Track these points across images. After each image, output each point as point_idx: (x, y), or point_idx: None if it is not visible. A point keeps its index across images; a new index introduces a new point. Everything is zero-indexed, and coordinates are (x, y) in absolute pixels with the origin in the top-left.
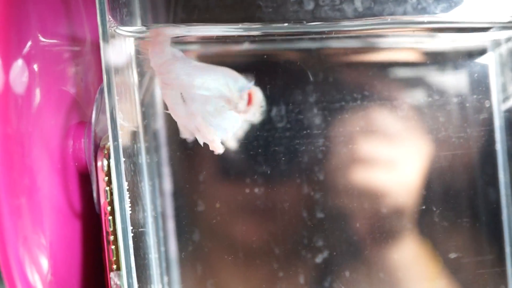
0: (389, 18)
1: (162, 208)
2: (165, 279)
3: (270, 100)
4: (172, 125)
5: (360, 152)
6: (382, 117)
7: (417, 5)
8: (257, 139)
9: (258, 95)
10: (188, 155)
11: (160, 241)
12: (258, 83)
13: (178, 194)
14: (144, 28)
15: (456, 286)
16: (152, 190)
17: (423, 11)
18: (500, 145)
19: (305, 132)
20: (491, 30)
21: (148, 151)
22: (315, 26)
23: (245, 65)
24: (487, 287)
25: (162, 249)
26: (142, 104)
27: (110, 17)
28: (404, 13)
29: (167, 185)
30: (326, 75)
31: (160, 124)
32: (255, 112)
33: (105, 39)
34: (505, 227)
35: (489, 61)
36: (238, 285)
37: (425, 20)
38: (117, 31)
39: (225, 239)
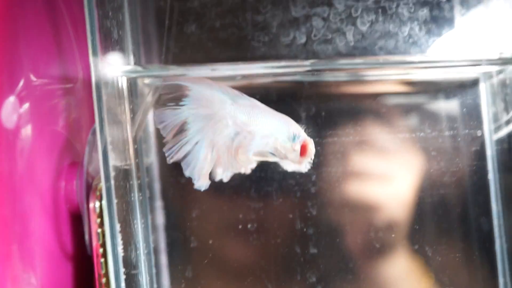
0: (381, 59)
1: (155, 244)
2: None
3: None
4: (164, 160)
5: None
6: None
7: (408, 39)
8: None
9: (311, 147)
10: (181, 190)
11: (152, 278)
12: None
13: (171, 229)
14: (138, 68)
15: None
16: (145, 226)
17: (414, 44)
18: (492, 175)
19: None
20: (481, 65)
21: (140, 188)
22: (307, 65)
23: None
24: None
25: (155, 286)
26: (135, 141)
27: (102, 58)
28: (395, 47)
29: (160, 220)
30: (318, 107)
31: (152, 160)
32: (306, 164)
33: (98, 80)
34: (498, 257)
35: (481, 91)
36: None
37: (416, 60)
38: (110, 71)
39: (218, 276)
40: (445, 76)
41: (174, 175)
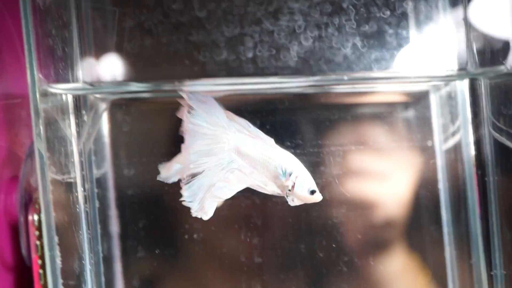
0: (344, 76)
1: (106, 253)
2: None
3: None
4: (118, 170)
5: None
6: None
7: (352, 54)
8: None
9: (302, 180)
10: (132, 200)
11: (101, 286)
12: None
13: (124, 238)
14: (81, 85)
15: None
16: (93, 236)
17: (357, 60)
18: (442, 184)
19: None
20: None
21: (86, 199)
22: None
23: None
24: None
25: None
26: (81, 154)
27: (40, 75)
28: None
29: (114, 229)
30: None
31: (106, 170)
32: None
33: (34, 96)
34: (448, 265)
35: (431, 103)
36: None
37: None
38: (50, 89)
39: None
40: (396, 88)
41: (127, 185)
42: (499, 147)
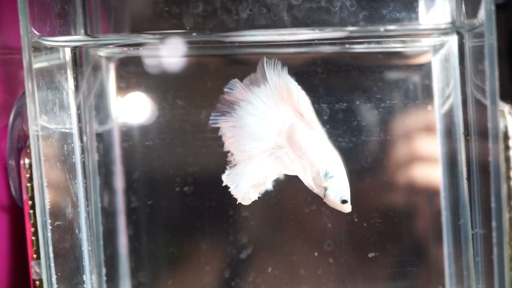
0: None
1: (105, 206)
2: (94, 274)
3: (201, 103)
4: (124, 127)
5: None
6: None
7: (340, 14)
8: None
9: (336, 185)
10: (140, 154)
11: (98, 235)
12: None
13: (125, 194)
14: (76, 37)
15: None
16: (92, 187)
17: (343, 21)
18: (440, 149)
19: None
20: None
21: (86, 151)
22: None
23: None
24: None
25: (101, 242)
26: (79, 107)
27: (32, 28)
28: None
29: (119, 184)
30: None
31: (111, 126)
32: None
33: (27, 46)
34: (444, 229)
35: (432, 65)
36: (167, 279)
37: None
38: (43, 41)
39: (156, 235)
40: (396, 49)
41: (133, 141)
42: (479, 106)
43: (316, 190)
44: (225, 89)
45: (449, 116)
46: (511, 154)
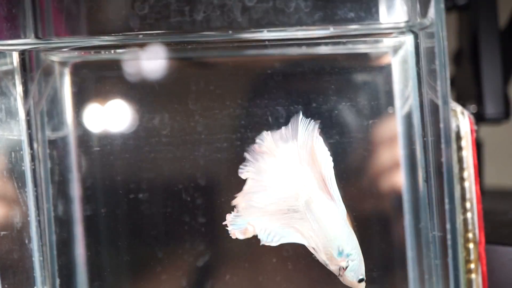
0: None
1: (59, 215)
2: (47, 285)
3: (156, 108)
4: (80, 133)
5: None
6: None
7: (295, 15)
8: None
9: (354, 268)
10: (94, 161)
11: (52, 245)
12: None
13: (82, 202)
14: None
15: None
16: (45, 196)
17: (299, 21)
18: (402, 152)
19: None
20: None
21: (36, 159)
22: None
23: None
24: None
25: (55, 252)
26: (28, 113)
27: None
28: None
29: (74, 192)
30: (207, 83)
31: (67, 133)
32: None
33: None
34: (407, 231)
35: (391, 67)
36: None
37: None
38: None
39: (112, 243)
40: (355, 51)
41: (89, 147)
42: (433, 106)
43: (330, 267)
44: (257, 140)
45: (409, 118)
46: (463, 155)
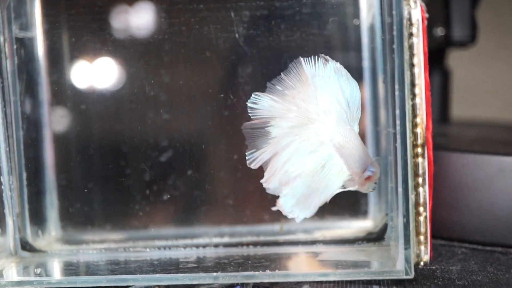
0: None
1: (25, 110)
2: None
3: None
4: (44, 38)
5: None
6: None
7: None
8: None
9: (377, 176)
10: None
11: (18, 139)
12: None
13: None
14: None
15: None
16: (11, 88)
17: None
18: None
19: None
20: None
21: (1, 52)
22: None
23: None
24: None
25: (21, 147)
26: None
27: None
28: None
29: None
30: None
31: (30, 34)
32: (369, 188)
33: None
34: (368, 133)
35: None
36: (88, 181)
37: None
38: None
39: (77, 146)
40: None
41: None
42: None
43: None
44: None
45: (372, 30)
46: (414, 42)
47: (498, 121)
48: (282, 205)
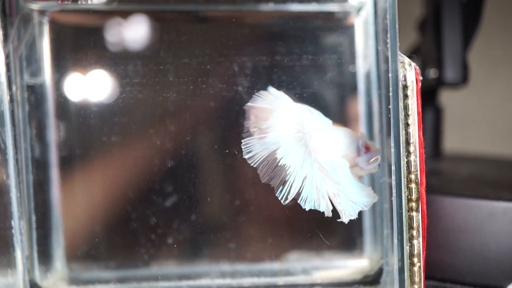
0: None
1: (36, 157)
2: (23, 220)
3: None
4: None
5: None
6: None
7: None
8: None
9: (375, 148)
10: (72, 107)
11: (28, 184)
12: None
13: (58, 148)
14: None
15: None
16: (23, 136)
17: None
18: (362, 106)
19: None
20: None
21: (12, 99)
22: None
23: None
24: None
25: (30, 191)
26: (7, 57)
27: None
28: None
29: (50, 137)
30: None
31: (45, 79)
32: (375, 165)
33: None
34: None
35: (355, 26)
36: (96, 225)
37: None
38: None
39: (84, 185)
40: (319, 8)
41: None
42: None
43: (361, 165)
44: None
45: (368, 76)
46: (409, 103)
47: (489, 155)
48: (345, 211)
